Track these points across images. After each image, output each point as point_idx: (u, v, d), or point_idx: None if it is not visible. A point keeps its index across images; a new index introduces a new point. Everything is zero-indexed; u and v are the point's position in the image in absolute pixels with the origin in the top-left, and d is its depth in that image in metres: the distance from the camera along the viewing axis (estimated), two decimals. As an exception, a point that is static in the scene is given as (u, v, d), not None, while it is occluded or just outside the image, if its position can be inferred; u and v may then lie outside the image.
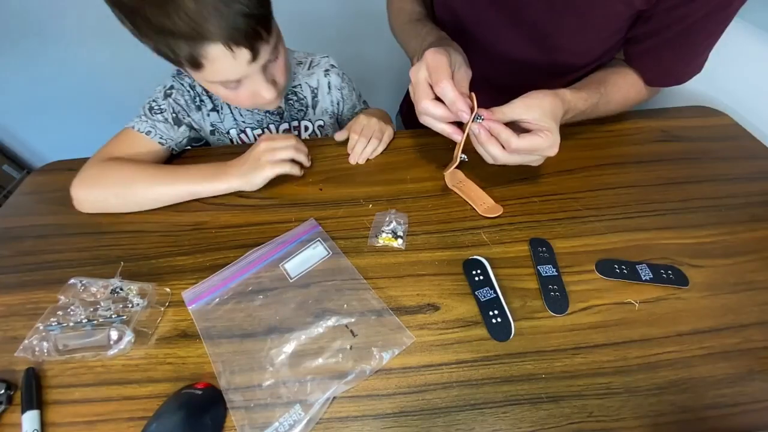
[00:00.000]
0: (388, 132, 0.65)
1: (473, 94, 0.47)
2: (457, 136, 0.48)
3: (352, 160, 0.62)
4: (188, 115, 0.64)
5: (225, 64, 0.47)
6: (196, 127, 0.66)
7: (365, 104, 0.81)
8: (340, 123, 0.79)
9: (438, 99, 0.47)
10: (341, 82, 0.73)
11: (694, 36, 0.54)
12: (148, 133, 0.60)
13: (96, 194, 0.55)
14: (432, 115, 0.48)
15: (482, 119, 0.46)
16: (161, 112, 0.61)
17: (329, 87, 0.72)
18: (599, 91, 0.57)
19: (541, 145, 0.46)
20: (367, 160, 0.63)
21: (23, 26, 1.23)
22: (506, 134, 0.45)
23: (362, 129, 0.63)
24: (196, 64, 0.46)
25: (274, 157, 0.56)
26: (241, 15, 0.43)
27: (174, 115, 0.62)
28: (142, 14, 0.42)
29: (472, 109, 0.46)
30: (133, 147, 0.59)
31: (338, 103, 0.74)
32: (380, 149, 0.64)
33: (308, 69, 0.71)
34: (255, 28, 0.45)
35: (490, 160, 0.49)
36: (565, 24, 0.57)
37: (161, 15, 0.41)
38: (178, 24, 0.41)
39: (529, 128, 0.47)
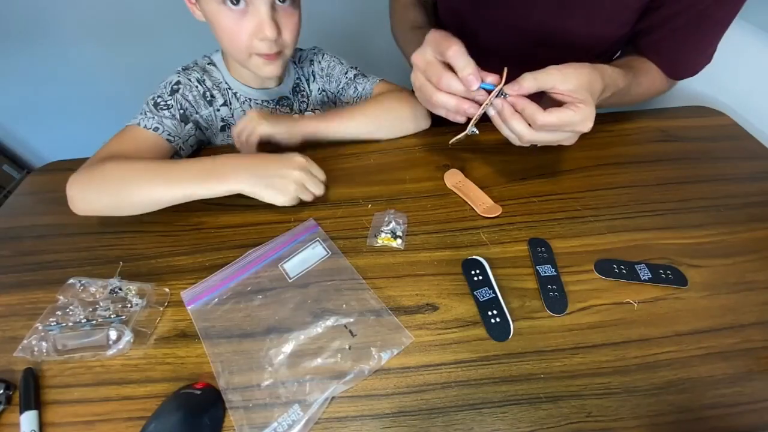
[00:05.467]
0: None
1: (505, 69, 0.43)
2: (471, 108, 0.45)
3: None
4: (197, 112, 0.63)
5: None
6: (203, 125, 0.65)
7: (357, 75, 0.73)
8: (335, 105, 0.78)
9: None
10: (319, 66, 0.73)
11: (705, 24, 0.54)
12: (155, 129, 0.57)
13: (90, 194, 0.52)
14: (445, 105, 0.46)
15: (507, 96, 0.43)
16: (168, 108, 0.59)
17: (313, 75, 0.74)
18: (631, 71, 0.55)
19: (572, 119, 0.42)
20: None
21: (23, 26, 1.23)
22: (531, 109, 0.42)
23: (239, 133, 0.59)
24: None
25: (304, 189, 0.52)
26: None
27: (182, 111, 0.60)
28: None
29: (498, 84, 0.43)
30: (138, 144, 0.56)
31: (323, 89, 0.75)
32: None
33: (299, 63, 0.73)
34: None
35: (516, 141, 0.46)
36: (574, 19, 0.56)
37: None
38: None
39: (563, 100, 0.43)
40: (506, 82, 0.44)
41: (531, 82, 0.43)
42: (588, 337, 0.43)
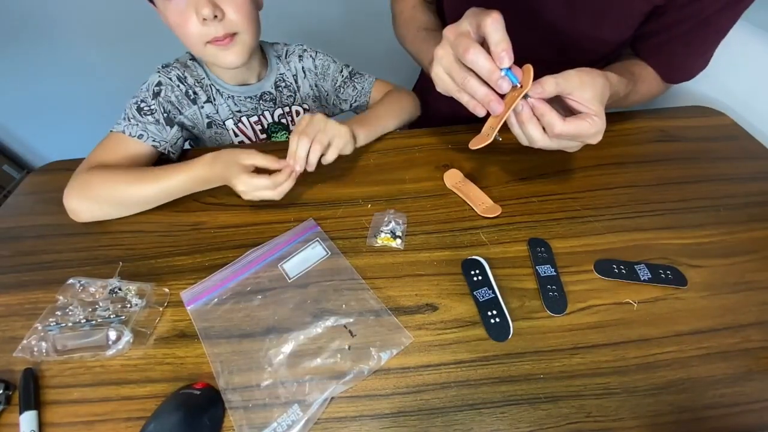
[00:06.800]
0: (340, 135, 0.54)
1: (530, 67, 0.41)
2: (499, 107, 0.41)
3: (298, 168, 0.51)
4: (180, 113, 0.63)
5: None
6: (189, 124, 0.65)
7: (353, 73, 0.75)
8: (328, 103, 0.78)
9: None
10: (313, 63, 0.73)
11: (705, 31, 0.54)
12: (140, 137, 0.57)
13: (88, 204, 0.54)
14: (475, 91, 0.42)
15: (529, 97, 0.42)
16: (151, 113, 0.59)
17: (304, 72, 0.73)
18: (632, 80, 0.55)
19: (587, 131, 0.42)
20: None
21: (23, 26, 1.23)
22: (551, 116, 0.41)
23: (303, 128, 0.53)
24: None
25: (256, 198, 0.52)
26: None
27: (165, 115, 0.60)
28: None
29: (522, 85, 0.41)
30: (124, 152, 0.57)
31: (315, 86, 0.75)
32: (331, 156, 0.54)
33: (286, 58, 0.73)
34: None
35: (525, 142, 0.45)
36: (582, 22, 0.57)
37: None
38: None
39: (576, 108, 0.43)
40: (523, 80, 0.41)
41: (553, 86, 0.41)
42: (587, 337, 0.43)
